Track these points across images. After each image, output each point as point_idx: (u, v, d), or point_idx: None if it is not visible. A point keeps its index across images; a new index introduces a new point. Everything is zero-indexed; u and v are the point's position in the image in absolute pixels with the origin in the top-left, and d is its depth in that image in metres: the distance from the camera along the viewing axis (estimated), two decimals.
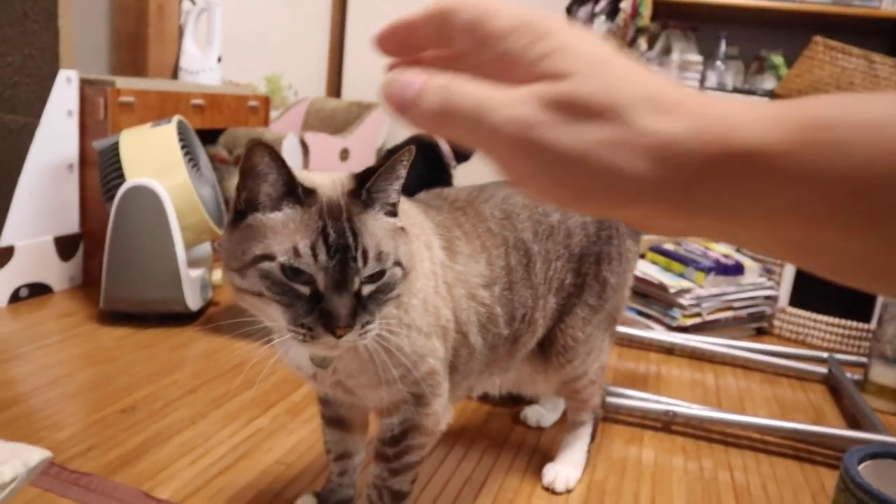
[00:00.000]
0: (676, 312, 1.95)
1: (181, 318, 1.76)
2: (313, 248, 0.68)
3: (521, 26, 0.35)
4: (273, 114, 3.09)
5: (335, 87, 3.56)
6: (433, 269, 0.86)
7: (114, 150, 1.70)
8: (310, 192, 0.70)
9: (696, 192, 0.32)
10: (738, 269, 2.04)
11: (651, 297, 2.02)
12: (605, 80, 0.33)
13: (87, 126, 1.92)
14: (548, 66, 0.34)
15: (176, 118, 1.74)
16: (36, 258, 1.87)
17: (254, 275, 0.69)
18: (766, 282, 2.11)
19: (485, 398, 1.45)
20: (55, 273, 1.93)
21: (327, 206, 0.70)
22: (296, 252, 0.68)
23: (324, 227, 0.69)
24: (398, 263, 0.73)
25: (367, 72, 3.41)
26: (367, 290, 0.71)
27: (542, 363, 1.10)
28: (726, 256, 2.09)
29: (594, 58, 0.34)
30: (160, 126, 1.72)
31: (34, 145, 1.83)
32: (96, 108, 1.90)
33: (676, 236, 0.54)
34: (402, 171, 0.73)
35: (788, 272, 2.14)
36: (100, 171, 1.74)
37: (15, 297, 1.82)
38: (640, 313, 2.03)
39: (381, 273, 0.71)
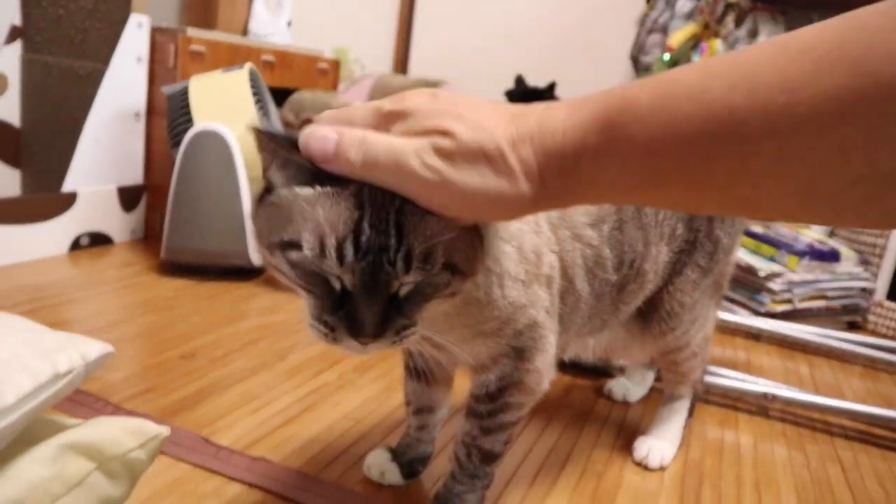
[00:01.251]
0: (765, 297, 1.80)
1: (243, 273, 1.69)
2: (340, 247, 0.52)
3: (405, 111, 0.51)
4: (340, 86, 3.03)
5: (402, 64, 3.48)
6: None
7: (183, 95, 1.64)
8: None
9: (557, 191, 0.49)
10: (833, 256, 1.89)
11: (737, 281, 1.88)
12: (476, 128, 0.48)
13: (156, 74, 1.86)
14: (432, 126, 0.49)
15: (248, 65, 1.67)
16: (98, 207, 1.82)
17: (280, 259, 0.56)
18: (862, 272, 1.95)
19: (565, 367, 1.34)
20: (117, 224, 1.88)
21: (370, 190, 0.53)
22: (322, 249, 0.53)
23: (359, 219, 0.52)
24: (451, 267, 0.57)
25: (434, 50, 3.32)
26: (404, 290, 0.56)
27: (641, 328, 0.99)
28: (820, 242, 1.94)
29: (463, 112, 0.49)
30: (232, 71, 1.65)
31: (101, 92, 1.78)
32: (166, 56, 1.84)
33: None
34: None
35: (888, 264, 1.97)
36: (168, 116, 1.68)
37: (76, 246, 1.78)
38: (725, 298, 1.89)
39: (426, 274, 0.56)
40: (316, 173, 0.53)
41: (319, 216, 0.53)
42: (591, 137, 0.46)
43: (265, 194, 0.58)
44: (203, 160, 1.58)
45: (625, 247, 0.85)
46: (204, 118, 1.59)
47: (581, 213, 0.81)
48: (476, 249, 0.60)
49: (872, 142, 0.37)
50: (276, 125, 1.75)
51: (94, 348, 0.52)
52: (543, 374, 0.77)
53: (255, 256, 1.64)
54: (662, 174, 0.45)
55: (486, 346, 0.74)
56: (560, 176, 0.48)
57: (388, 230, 0.52)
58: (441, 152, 0.48)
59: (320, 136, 0.51)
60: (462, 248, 0.57)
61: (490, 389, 0.76)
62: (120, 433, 0.51)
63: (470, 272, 0.60)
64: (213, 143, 1.57)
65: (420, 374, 0.90)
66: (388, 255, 0.53)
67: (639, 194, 0.48)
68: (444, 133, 0.48)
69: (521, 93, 2.47)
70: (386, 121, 0.51)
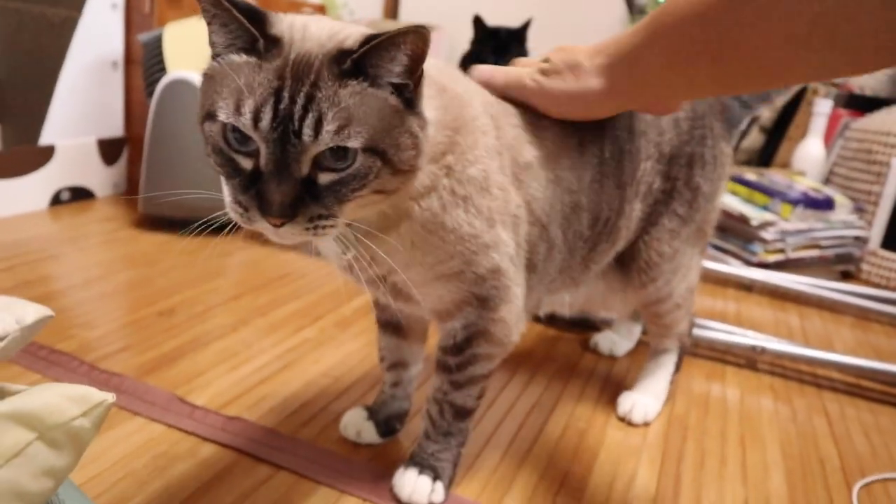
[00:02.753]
0: (757, 247, 1.78)
1: (225, 228, 1.66)
2: (257, 110, 0.53)
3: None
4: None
5: (392, 8, 3.39)
6: (498, 149, 0.71)
7: (158, 43, 1.58)
8: (274, 43, 0.55)
9: (623, 84, 0.72)
10: (828, 204, 1.86)
11: (728, 231, 1.85)
12: (567, 53, 0.75)
13: (133, 21, 1.80)
14: (545, 56, 0.78)
15: None
16: (78, 160, 1.78)
17: (204, 137, 0.57)
18: (856, 220, 1.92)
19: (552, 320, 1.32)
20: (98, 178, 1.84)
21: (294, 64, 0.54)
22: (238, 110, 0.53)
23: (279, 88, 0.53)
24: (377, 151, 0.55)
25: None
26: (325, 178, 0.55)
27: (621, 281, 0.96)
28: (815, 190, 1.90)
29: (563, 48, 0.77)
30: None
31: (76, 40, 1.72)
32: (142, 2, 1.78)
33: (653, 112, 0.85)
34: (414, 49, 0.54)
35: (882, 211, 1.94)
36: (143, 65, 1.63)
37: (56, 200, 1.74)
38: (716, 247, 1.86)
39: (344, 155, 0.55)
40: (251, 40, 0.55)
41: (241, 82, 0.53)
42: (640, 35, 0.68)
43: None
44: (176, 109, 1.54)
45: (602, 203, 0.82)
46: (178, 66, 1.54)
47: (563, 156, 0.77)
48: (417, 141, 0.58)
49: None
50: None
51: (31, 312, 0.50)
52: (511, 325, 0.75)
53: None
54: (690, 48, 0.63)
55: (448, 291, 0.71)
56: (623, 68, 0.70)
57: (298, 100, 0.53)
58: (541, 71, 0.76)
59: (482, 68, 0.80)
60: (393, 134, 0.56)
61: (457, 340, 0.74)
62: (62, 401, 0.48)
63: (404, 165, 0.58)
64: (186, 91, 1.52)
65: (393, 327, 0.87)
66: (294, 124, 0.52)
67: (682, 70, 0.66)
68: (545, 61, 0.77)
69: (486, 37, 2.34)
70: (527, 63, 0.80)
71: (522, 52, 2.27)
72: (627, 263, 0.95)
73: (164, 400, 0.93)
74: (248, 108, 0.53)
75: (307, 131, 0.53)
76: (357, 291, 0.75)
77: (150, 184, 1.59)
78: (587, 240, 0.83)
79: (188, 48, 1.57)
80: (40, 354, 1.01)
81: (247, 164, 0.56)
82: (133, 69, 1.83)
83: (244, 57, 0.55)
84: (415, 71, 0.57)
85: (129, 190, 1.91)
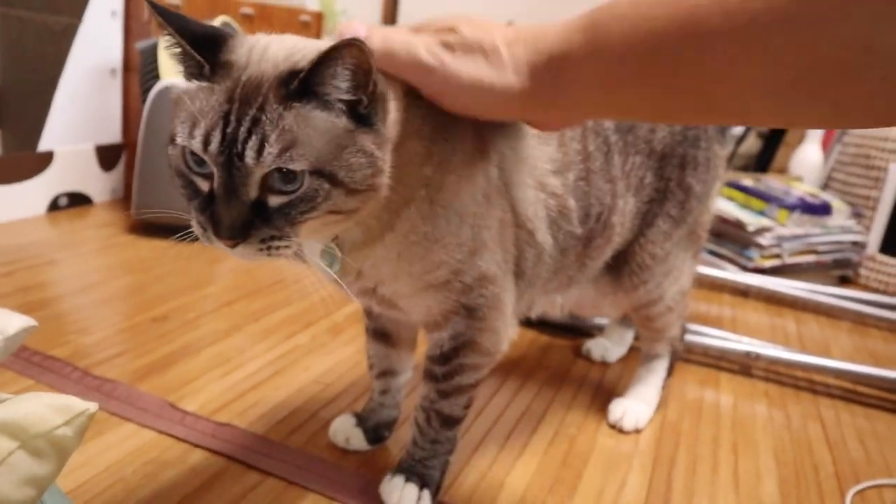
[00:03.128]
0: (753, 252, 1.78)
1: None
2: (207, 134, 0.54)
3: (425, 23, 0.61)
4: (325, 39, 2.96)
5: (390, 15, 3.40)
6: (480, 153, 0.70)
7: (153, 50, 1.59)
8: (225, 66, 0.55)
9: (542, 89, 0.56)
10: (825, 210, 1.85)
11: (724, 236, 1.85)
12: (481, 29, 0.58)
13: (132, 29, 1.81)
14: (441, 26, 0.59)
15: (221, 18, 1.62)
16: (76, 166, 1.78)
17: (168, 159, 0.59)
18: (854, 225, 1.92)
19: (543, 326, 1.32)
20: (96, 183, 1.85)
21: (243, 87, 0.54)
22: (191, 133, 0.54)
23: (228, 111, 0.54)
24: (324, 174, 0.55)
25: (423, 1, 3.24)
26: (274, 201, 0.55)
27: (612, 283, 0.96)
28: (812, 195, 1.90)
29: (473, 20, 0.59)
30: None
31: (75, 47, 1.73)
32: (141, 10, 1.79)
33: (557, 129, 0.72)
34: (355, 63, 0.53)
35: (881, 217, 1.94)
36: (139, 72, 1.64)
37: (54, 206, 1.75)
38: (712, 253, 1.86)
39: (292, 178, 0.54)
40: (201, 65, 0.55)
41: (195, 106, 0.55)
42: (577, 37, 0.54)
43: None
44: (167, 116, 1.54)
45: (591, 199, 0.81)
46: (171, 74, 1.55)
47: (545, 161, 0.77)
48: (373, 160, 0.57)
49: (818, 36, 0.41)
50: None
51: (15, 323, 0.50)
52: (499, 334, 0.74)
53: None
54: (637, 71, 0.51)
55: (437, 301, 0.71)
56: (548, 72, 0.56)
57: (244, 122, 0.53)
58: (445, 44, 0.58)
59: (353, 30, 0.59)
60: (343, 155, 0.55)
61: (444, 349, 0.74)
62: (45, 410, 0.49)
63: (358, 185, 0.56)
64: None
65: (382, 336, 0.88)
66: (237, 147, 0.53)
67: (619, 95, 0.54)
68: (451, 29, 0.59)
69: None
70: (419, 28, 0.62)
71: None
72: (620, 266, 0.95)
73: (156, 406, 0.94)
74: (199, 131, 0.54)
75: (250, 153, 0.53)
76: (348, 299, 0.75)
77: (141, 190, 1.61)
78: (579, 237, 0.82)
79: None
80: (34, 360, 1.01)
81: (204, 185, 0.56)
82: (131, 76, 1.84)
83: (199, 82, 0.56)
84: (364, 86, 0.55)
85: (126, 196, 1.92)
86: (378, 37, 0.59)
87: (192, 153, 0.55)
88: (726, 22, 0.44)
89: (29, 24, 1.67)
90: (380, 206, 0.62)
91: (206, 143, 0.53)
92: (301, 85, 0.54)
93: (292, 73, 0.54)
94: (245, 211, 0.55)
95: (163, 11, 0.55)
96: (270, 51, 0.57)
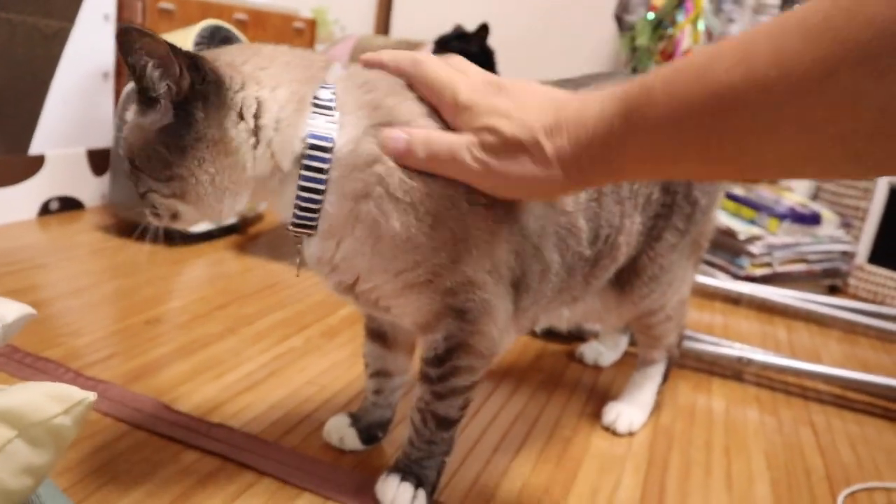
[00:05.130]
0: (744, 261, 1.79)
1: (212, 237, 1.66)
2: None
3: (456, 105, 0.62)
4: (319, 48, 2.96)
5: (384, 25, 3.41)
6: None
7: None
8: None
9: (590, 174, 0.58)
10: (814, 219, 1.87)
11: (716, 245, 1.86)
12: (518, 124, 0.58)
13: None
14: (481, 124, 0.60)
15: (205, 21, 1.61)
16: (67, 170, 1.78)
17: None
18: (843, 235, 1.94)
19: (534, 333, 1.32)
20: (87, 188, 1.84)
21: None
22: None
23: None
24: (135, 165, 0.67)
25: (417, 10, 3.26)
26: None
27: (617, 296, 0.95)
28: (802, 205, 1.92)
29: (508, 110, 0.59)
30: (187, 28, 1.60)
31: (67, 51, 1.73)
32: (134, 14, 1.78)
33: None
34: (148, 51, 0.60)
35: (869, 226, 1.96)
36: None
37: (45, 210, 1.74)
38: (704, 261, 1.87)
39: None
40: None
41: None
42: (616, 124, 0.54)
43: None
44: None
45: (602, 220, 0.80)
46: None
47: None
48: (161, 153, 0.64)
49: (854, 100, 0.41)
50: None
51: (13, 311, 0.50)
52: (492, 337, 0.74)
53: None
54: (677, 150, 0.51)
55: (423, 302, 0.71)
56: (592, 161, 0.57)
57: None
58: (486, 147, 0.59)
59: (394, 138, 0.63)
60: (146, 150, 0.65)
61: (438, 351, 0.73)
62: (43, 399, 0.49)
63: (158, 175, 0.65)
64: None
65: (379, 336, 0.88)
66: None
67: (661, 170, 0.57)
68: (491, 131, 0.59)
69: (452, 38, 2.37)
70: (456, 109, 0.63)
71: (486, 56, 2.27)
72: (627, 279, 0.94)
73: (149, 406, 0.93)
74: None
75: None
76: (342, 302, 0.75)
77: (114, 188, 1.68)
78: (587, 259, 0.81)
79: None
80: (26, 361, 1.01)
81: None
82: (123, 81, 1.83)
83: None
84: (164, 71, 0.61)
85: None
86: (420, 141, 0.62)
87: None
88: (763, 97, 0.45)
89: (20, 28, 1.66)
90: (339, 196, 0.65)
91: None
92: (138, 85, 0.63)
93: None
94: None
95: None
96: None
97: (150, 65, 0.60)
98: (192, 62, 0.61)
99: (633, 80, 0.55)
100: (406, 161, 0.63)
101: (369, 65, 0.69)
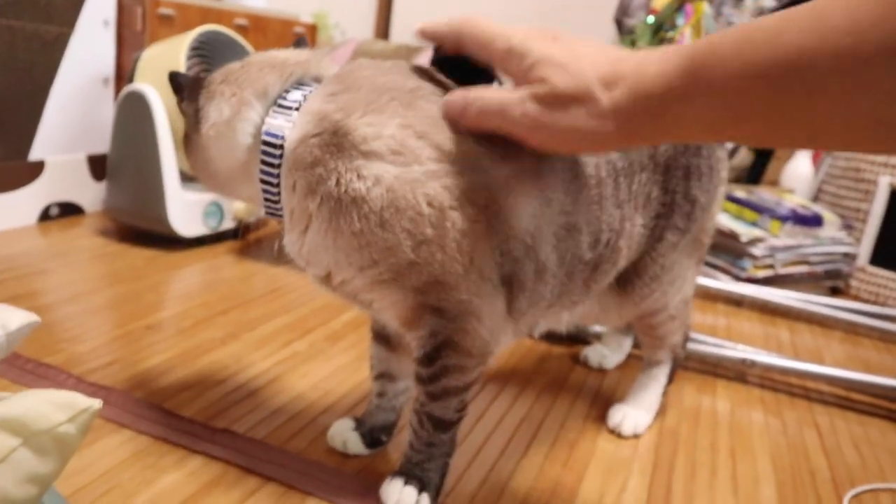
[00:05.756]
0: (747, 263, 1.79)
1: (214, 241, 1.66)
2: None
3: (509, 51, 0.61)
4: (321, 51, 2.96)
5: (384, 29, 3.41)
6: (439, 161, 0.67)
7: (137, 60, 1.60)
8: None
9: (644, 128, 0.56)
10: (816, 221, 1.87)
11: (718, 247, 1.86)
12: (572, 74, 0.57)
13: (125, 38, 1.81)
14: (533, 75, 0.59)
15: (204, 27, 1.61)
16: (67, 176, 1.77)
17: None
18: (845, 237, 1.93)
19: (532, 337, 1.32)
20: (87, 193, 1.84)
21: None
22: None
23: None
24: None
25: (417, 14, 3.26)
26: None
27: (618, 296, 0.95)
28: (803, 207, 1.92)
29: (562, 59, 0.58)
30: (183, 35, 1.60)
31: (67, 56, 1.73)
32: (134, 19, 1.78)
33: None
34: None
35: (871, 228, 1.96)
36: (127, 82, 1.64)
37: (45, 216, 1.73)
38: (706, 263, 1.87)
39: None
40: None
41: None
42: (678, 80, 0.53)
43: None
44: (129, 121, 1.58)
45: (602, 224, 0.80)
46: (141, 80, 1.58)
47: (549, 175, 0.74)
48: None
49: None
50: None
51: (17, 318, 0.50)
52: (481, 337, 0.72)
53: (183, 225, 1.60)
54: (740, 112, 0.51)
55: (397, 297, 0.71)
56: (648, 115, 0.55)
57: None
58: (537, 98, 0.59)
59: (453, 101, 0.65)
60: None
61: (426, 349, 0.73)
62: (48, 407, 0.48)
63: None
64: (137, 102, 1.56)
65: (383, 338, 0.87)
66: None
67: (718, 130, 0.54)
68: (543, 81, 0.58)
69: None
70: (509, 55, 0.62)
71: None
72: (629, 279, 0.93)
73: (152, 412, 0.93)
74: None
75: None
76: (346, 306, 0.75)
77: (110, 192, 1.68)
78: (588, 262, 0.80)
79: (154, 64, 1.59)
80: (27, 368, 1.00)
81: None
82: (124, 86, 1.83)
83: None
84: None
85: None
86: (472, 98, 0.63)
87: None
88: (836, 63, 0.44)
89: (20, 33, 1.66)
90: (289, 190, 0.71)
91: None
92: None
93: None
94: None
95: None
96: None
97: None
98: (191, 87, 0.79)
99: (699, 40, 0.54)
100: (462, 121, 0.65)
101: (425, 36, 0.71)
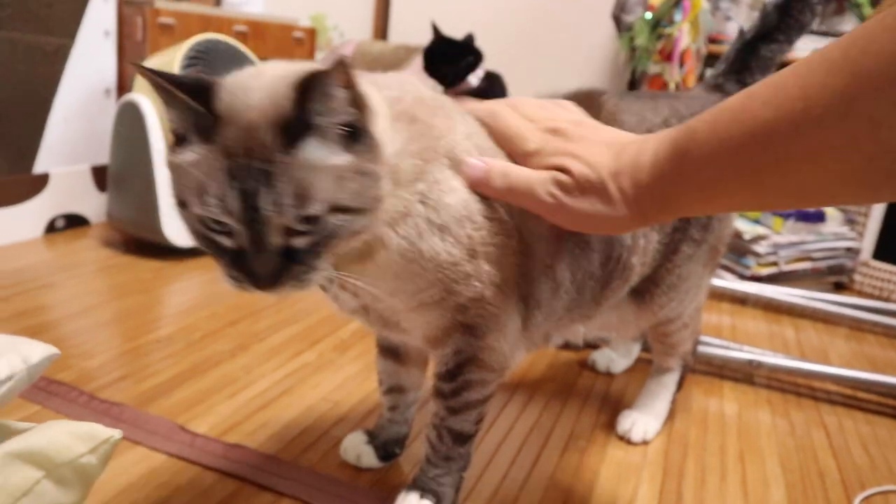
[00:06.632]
0: (750, 261, 1.79)
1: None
2: (222, 197, 0.54)
3: (536, 151, 0.68)
4: (318, 55, 2.96)
5: (382, 30, 3.41)
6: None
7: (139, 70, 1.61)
8: (217, 124, 0.54)
9: (651, 211, 0.61)
10: (818, 217, 1.87)
11: None
12: (590, 166, 0.63)
13: (125, 48, 1.81)
14: (555, 163, 0.65)
15: (199, 36, 1.61)
16: (72, 188, 1.78)
17: (182, 218, 0.59)
18: (847, 232, 1.94)
19: None
20: (92, 205, 1.84)
21: (243, 140, 0.54)
22: (203, 200, 0.55)
23: (231, 168, 0.54)
24: (340, 207, 0.57)
25: (414, 14, 3.26)
26: (300, 242, 0.57)
27: (635, 308, 0.95)
28: None
29: (577, 150, 0.65)
30: (180, 45, 1.61)
31: (69, 68, 1.73)
32: (134, 29, 1.79)
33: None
34: (344, 83, 0.54)
35: (873, 222, 1.96)
36: None
37: (51, 228, 1.74)
38: None
39: (314, 220, 0.56)
40: (197, 120, 0.55)
41: (200, 170, 0.54)
42: (668, 166, 0.58)
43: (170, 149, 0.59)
44: (125, 130, 1.60)
45: (614, 242, 0.81)
46: (139, 90, 1.60)
47: None
48: (374, 176, 0.59)
49: (874, 126, 0.44)
50: None
51: (37, 351, 0.50)
52: (502, 351, 0.74)
53: (177, 235, 1.60)
54: (725, 186, 0.55)
55: (433, 318, 0.71)
56: (651, 201, 0.61)
57: (255, 174, 0.53)
58: (560, 185, 0.64)
59: (473, 165, 0.68)
60: (350, 184, 0.57)
61: (449, 366, 0.74)
62: (69, 439, 0.49)
63: (368, 205, 0.59)
64: (131, 112, 1.58)
65: (391, 352, 0.88)
66: (259, 199, 0.53)
67: (714, 204, 0.59)
68: (564, 170, 0.64)
69: (440, 48, 2.33)
70: (526, 156, 0.68)
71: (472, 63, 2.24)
72: (647, 289, 0.94)
73: (165, 429, 0.93)
74: (211, 196, 0.54)
75: (269, 208, 0.53)
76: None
77: (111, 202, 1.70)
78: (598, 279, 0.81)
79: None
80: (39, 385, 1.01)
81: (228, 242, 0.57)
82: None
83: (198, 142, 0.55)
84: (352, 105, 0.57)
85: None
86: (498, 172, 0.67)
87: (208, 217, 0.55)
88: (792, 129, 0.48)
89: (21, 46, 1.66)
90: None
91: (222, 207, 0.54)
92: (296, 126, 0.54)
93: (284, 118, 0.54)
94: (276, 258, 0.56)
95: (157, 73, 0.53)
96: (252, 94, 0.55)
97: (340, 99, 0.58)
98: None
99: (681, 126, 0.59)
100: (482, 188, 0.68)
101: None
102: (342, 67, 0.53)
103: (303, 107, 0.54)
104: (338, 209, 0.56)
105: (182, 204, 0.57)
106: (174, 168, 0.57)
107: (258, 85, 0.56)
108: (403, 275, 0.67)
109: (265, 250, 0.56)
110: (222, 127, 0.54)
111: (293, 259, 0.57)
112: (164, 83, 0.53)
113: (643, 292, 0.93)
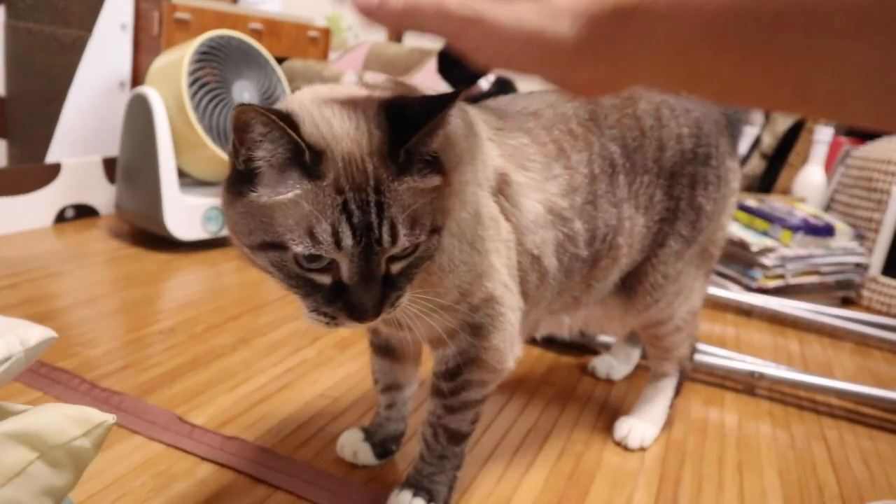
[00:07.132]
0: (757, 273, 1.78)
1: (228, 245, 1.67)
2: (335, 232, 0.53)
3: None
4: (332, 55, 2.98)
5: (397, 32, 3.42)
6: (486, 177, 0.72)
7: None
8: (320, 157, 0.54)
9: (600, 43, 0.43)
10: (828, 231, 1.86)
11: (729, 256, 1.86)
12: None
13: (141, 42, 1.83)
14: None
15: (211, 32, 1.62)
16: (83, 178, 1.80)
17: (264, 259, 0.57)
18: (857, 247, 1.93)
19: (549, 343, 1.32)
20: (102, 196, 1.86)
21: (347, 172, 0.54)
22: (313, 238, 0.54)
23: (345, 202, 0.53)
24: (436, 229, 0.59)
25: None
26: (397, 267, 0.58)
27: (622, 303, 0.96)
28: (815, 217, 1.91)
29: None
30: (191, 40, 1.62)
31: (85, 60, 1.75)
32: (150, 23, 1.80)
33: (600, 94, 0.50)
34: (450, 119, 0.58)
35: (883, 238, 1.95)
36: None
37: (61, 218, 1.76)
38: (716, 272, 1.87)
39: (416, 246, 0.58)
40: (296, 155, 0.54)
41: (305, 209, 0.53)
42: None
43: (238, 190, 0.57)
44: (134, 122, 1.62)
45: (598, 222, 0.82)
46: (149, 84, 1.62)
47: (552, 183, 0.78)
48: (444, 198, 0.60)
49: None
50: (240, 99, 1.67)
51: (35, 334, 0.51)
52: (504, 352, 0.75)
53: (180, 228, 1.62)
54: (722, 37, 0.40)
55: (444, 320, 0.71)
56: (611, 24, 0.43)
57: (370, 207, 0.54)
58: None
59: None
60: (443, 208, 0.59)
61: (450, 366, 0.74)
62: (63, 421, 0.49)
63: (445, 223, 0.61)
64: (140, 105, 1.59)
65: (386, 351, 0.88)
66: (375, 233, 0.54)
67: (691, 62, 0.42)
68: None
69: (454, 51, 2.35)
70: None
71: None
72: (631, 286, 0.94)
73: (164, 419, 0.94)
74: (324, 233, 0.53)
75: (386, 238, 0.54)
76: None
77: (119, 193, 1.71)
78: (585, 260, 0.83)
79: (162, 66, 1.62)
80: (41, 372, 1.02)
81: (325, 279, 0.57)
82: None
83: (295, 184, 0.54)
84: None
85: None
86: None
87: (311, 255, 0.55)
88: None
89: (38, 37, 1.68)
90: None
91: (337, 242, 0.54)
92: (406, 155, 0.56)
93: (391, 149, 0.55)
94: (380, 289, 0.57)
95: (268, 109, 0.52)
96: (333, 124, 0.56)
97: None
98: None
99: None
100: (378, 15, 0.49)
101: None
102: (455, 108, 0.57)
103: (417, 141, 0.55)
104: (435, 230, 0.59)
105: (273, 246, 0.56)
106: (258, 209, 0.55)
107: (334, 112, 0.57)
108: (423, 285, 0.67)
109: (373, 280, 0.56)
110: (325, 161, 0.54)
111: (390, 286, 0.58)
112: (275, 120, 0.52)
113: (629, 288, 0.94)
